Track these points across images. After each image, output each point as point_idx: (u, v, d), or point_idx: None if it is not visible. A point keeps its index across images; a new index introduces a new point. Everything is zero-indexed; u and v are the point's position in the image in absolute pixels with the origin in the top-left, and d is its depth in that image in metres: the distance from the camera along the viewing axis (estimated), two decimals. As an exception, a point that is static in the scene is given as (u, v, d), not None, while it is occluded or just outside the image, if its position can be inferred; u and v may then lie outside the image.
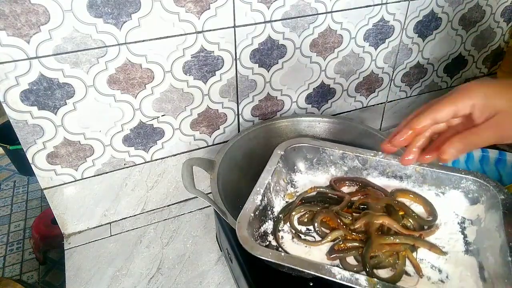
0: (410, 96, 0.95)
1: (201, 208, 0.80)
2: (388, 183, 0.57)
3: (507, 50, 0.98)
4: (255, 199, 0.50)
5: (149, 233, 0.75)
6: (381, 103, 0.92)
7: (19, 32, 0.53)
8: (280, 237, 0.51)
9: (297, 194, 0.57)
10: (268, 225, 0.52)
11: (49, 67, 0.57)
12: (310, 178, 0.60)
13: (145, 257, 0.71)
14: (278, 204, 0.55)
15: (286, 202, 0.56)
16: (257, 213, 0.49)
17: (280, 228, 0.52)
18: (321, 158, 0.59)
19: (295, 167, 0.60)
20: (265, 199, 0.52)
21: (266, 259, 0.42)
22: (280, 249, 0.49)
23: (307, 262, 0.42)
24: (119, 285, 0.66)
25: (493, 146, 0.79)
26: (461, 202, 0.53)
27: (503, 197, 0.48)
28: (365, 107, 0.91)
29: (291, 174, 0.60)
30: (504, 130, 0.39)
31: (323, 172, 0.60)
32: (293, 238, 0.51)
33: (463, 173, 0.53)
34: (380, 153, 0.57)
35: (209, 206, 0.75)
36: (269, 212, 0.53)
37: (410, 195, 0.54)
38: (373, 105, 0.91)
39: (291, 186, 0.59)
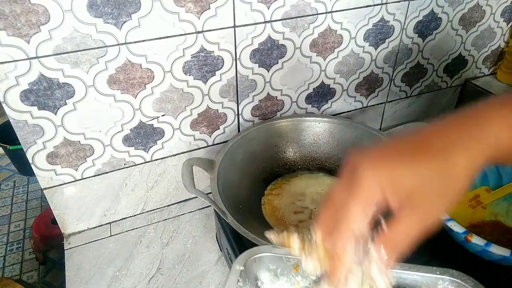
0: (410, 96, 0.95)
1: (201, 208, 0.80)
2: None
3: (507, 50, 0.98)
4: None
5: (149, 233, 0.75)
6: (381, 103, 0.92)
7: (19, 32, 0.53)
8: None
9: None
10: None
11: (49, 67, 0.57)
12: None
13: (145, 257, 0.71)
14: None
15: None
16: None
17: None
18: (285, 268, 0.51)
19: (257, 281, 0.51)
20: None
21: None
22: None
23: None
24: (119, 285, 0.66)
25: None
26: None
27: None
28: (365, 107, 0.91)
29: None
30: (424, 209, 0.32)
31: (290, 284, 0.51)
32: None
33: (438, 272, 0.43)
34: None
35: (209, 206, 0.75)
36: None
37: None
38: (373, 105, 0.91)
39: None
